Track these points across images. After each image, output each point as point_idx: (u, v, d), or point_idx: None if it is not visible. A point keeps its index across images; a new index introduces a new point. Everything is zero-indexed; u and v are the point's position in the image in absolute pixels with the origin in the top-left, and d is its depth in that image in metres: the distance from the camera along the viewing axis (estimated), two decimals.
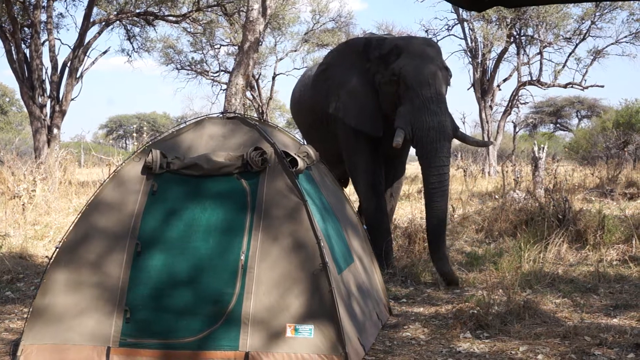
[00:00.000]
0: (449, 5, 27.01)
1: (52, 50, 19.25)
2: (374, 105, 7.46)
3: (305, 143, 9.08)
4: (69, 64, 19.30)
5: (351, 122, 7.52)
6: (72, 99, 19.22)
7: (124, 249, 4.62)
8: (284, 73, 40.47)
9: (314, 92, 8.20)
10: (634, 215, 9.40)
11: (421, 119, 6.92)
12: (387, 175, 8.09)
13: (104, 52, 24.65)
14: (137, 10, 21.91)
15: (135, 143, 21.17)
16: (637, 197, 13.69)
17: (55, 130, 18.51)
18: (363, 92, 7.51)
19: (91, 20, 19.89)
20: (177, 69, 29.62)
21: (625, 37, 25.30)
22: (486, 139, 24.15)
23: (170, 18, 22.70)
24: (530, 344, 5.09)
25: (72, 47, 19.42)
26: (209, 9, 23.21)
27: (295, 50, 30.40)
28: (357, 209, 7.05)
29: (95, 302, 4.55)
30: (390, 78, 7.18)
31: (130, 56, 24.12)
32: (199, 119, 5.12)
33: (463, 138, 7.39)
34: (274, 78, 30.89)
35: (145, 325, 4.47)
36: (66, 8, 30.54)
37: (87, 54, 20.01)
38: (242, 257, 4.48)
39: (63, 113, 18.92)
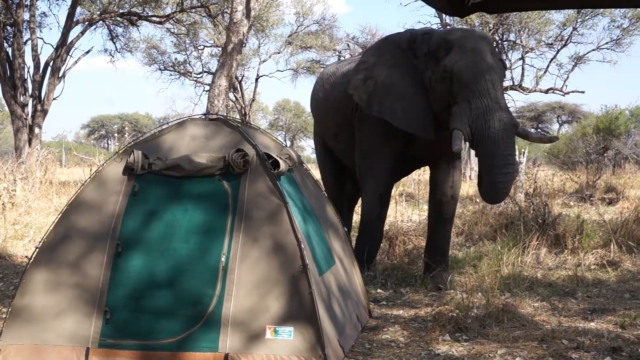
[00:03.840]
0: (433, 10, 27.11)
1: (34, 49, 19.14)
2: (424, 105, 6.84)
3: (317, 151, 9.00)
4: (51, 64, 19.21)
5: (401, 125, 6.85)
6: (54, 99, 19.14)
7: (104, 249, 4.61)
8: (267, 75, 40.41)
9: (346, 92, 7.45)
10: (612, 220, 9.48)
11: (480, 118, 6.34)
12: (442, 176, 7.44)
13: (87, 52, 24.61)
14: (121, 11, 21.82)
15: (117, 143, 21.10)
16: (616, 202, 13.81)
17: (36, 130, 18.41)
18: (411, 92, 6.90)
19: (74, 19, 19.81)
20: (160, 69, 29.58)
21: (606, 43, 25.47)
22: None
23: (154, 19, 22.64)
24: (509, 347, 5.13)
25: (54, 47, 19.34)
26: (193, 10, 23.16)
27: (279, 53, 30.45)
28: (338, 217, 7.01)
29: (74, 302, 4.53)
30: (443, 75, 6.60)
31: (113, 56, 24.03)
32: (181, 120, 5.12)
33: (525, 135, 6.80)
34: (257, 80, 30.93)
35: (125, 326, 4.46)
36: (49, 7, 30.51)
37: (70, 54, 19.94)
38: (223, 259, 4.48)
39: (45, 112, 18.82)
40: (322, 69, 29.83)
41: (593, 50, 25.74)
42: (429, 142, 7.05)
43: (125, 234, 4.66)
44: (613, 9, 23.00)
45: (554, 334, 5.40)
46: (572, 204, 13.38)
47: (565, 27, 25.18)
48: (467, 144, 6.67)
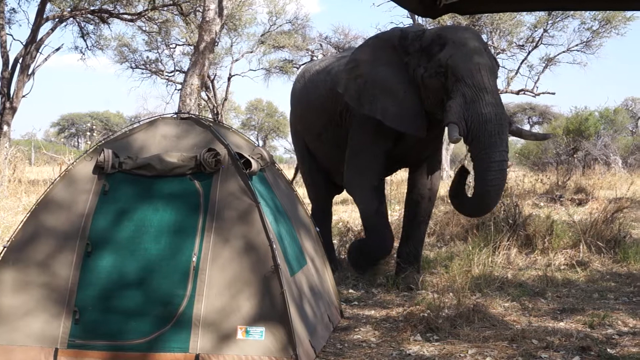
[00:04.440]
0: (405, 11, 27.21)
1: (3, 46, 18.94)
2: (416, 103, 6.73)
3: (297, 150, 8.65)
4: (20, 61, 19.02)
5: (392, 123, 6.74)
6: (24, 96, 18.97)
7: (74, 249, 4.56)
8: (239, 74, 40.31)
9: (334, 90, 7.36)
10: (581, 221, 9.56)
11: (476, 112, 6.23)
12: (422, 177, 7.48)
13: (57, 49, 24.26)
14: (92, 8, 21.67)
15: (88, 142, 20.92)
16: (585, 203, 13.94)
17: (5, 128, 18.21)
18: (403, 90, 6.77)
19: (44, 16, 19.63)
20: (131, 67, 29.39)
21: (576, 45, 25.76)
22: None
23: (125, 16, 22.49)
24: (479, 347, 5.15)
25: (24, 44, 19.16)
26: (165, 8, 23.03)
27: (252, 52, 30.40)
28: (310, 217, 6.97)
29: (43, 302, 4.48)
30: (437, 70, 6.49)
31: (83, 54, 23.84)
32: (152, 118, 5.09)
33: (519, 132, 6.81)
34: (229, 79, 30.85)
35: (94, 327, 4.41)
36: (19, 3, 30.18)
37: (40, 51, 19.74)
38: (194, 259, 4.46)
39: (14, 110, 18.62)
40: (296, 69, 29.92)
41: (563, 52, 26.03)
42: (415, 143, 7.03)
43: (95, 233, 4.61)
44: (583, 12, 23.25)
45: (524, 334, 5.43)
46: (542, 204, 13.50)
47: (536, 29, 25.42)
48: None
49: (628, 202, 10.61)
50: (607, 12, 23.00)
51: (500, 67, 6.58)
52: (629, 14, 23.54)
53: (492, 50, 25.59)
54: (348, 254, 7.82)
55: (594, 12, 23.37)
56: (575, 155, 22.93)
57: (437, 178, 7.63)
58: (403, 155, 7.33)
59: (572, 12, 23.45)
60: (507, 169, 6.45)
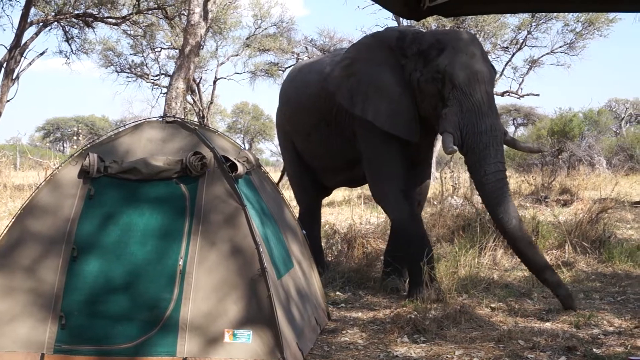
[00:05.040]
0: (390, 13, 27.27)
1: None
2: (410, 107, 6.62)
3: (284, 152, 8.39)
4: (5, 65, 18.90)
5: (384, 125, 6.63)
6: (8, 101, 18.84)
7: (59, 254, 4.54)
8: (225, 77, 40.33)
9: (326, 89, 7.23)
10: (566, 222, 9.61)
11: (472, 122, 6.16)
12: (413, 182, 7.24)
13: (41, 54, 24.14)
14: (76, 12, 21.55)
15: (73, 146, 20.85)
16: (570, 203, 14.00)
17: None
18: (397, 92, 6.65)
19: (28, 20, 19.52)
20: (116, 71, 29.22)
21: (560, 47, 25.85)
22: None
23: (110, 20, 22.39)
24: (466, 348, 5.17)
25: (8, 48, 19.03)
26: (150, 12, 22.96)
27: (237, 55, 30.31)
28: (296, 219, 6.94)
29: (29, 308, 4.46)
30: (434, 76, 6.39)
31: (68, 58, 23.70)
32: (137, 122, 5.08)
33: (513, 143, 6.68)
34: (215, 82, 30.74)
35: (81, 331, 4.40)
36: (2, 8, 29.85)
37: (24, 55, 19.63)
38: (180, 263, 4.45)
39: None
40: (282, 72, 29.90)
41: (547, 53, 26.11)
42: (415, 145, 6.90)
43: (81, 238, 4.60)
44: (566, 13, 23.37)
45: (511, 335, 5.46)
46: (527, 205, 13.55)
47: (520, 31, 25.49)
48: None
49: (612, 202, 10.67)
50: (590, 13, 23.14)
51: (497, 75, 6.50)
52: (611, 15, 23.68)
53: None
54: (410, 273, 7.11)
55: (577, 14, 23.51)
56: (559, 157, 23.02)
57: (427, 183, 7.57)
58: (409, 158, 7.10)
59: (555, 14, 23.56)
60: (507, 178, 6.27)
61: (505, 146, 6.44)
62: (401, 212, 6.87)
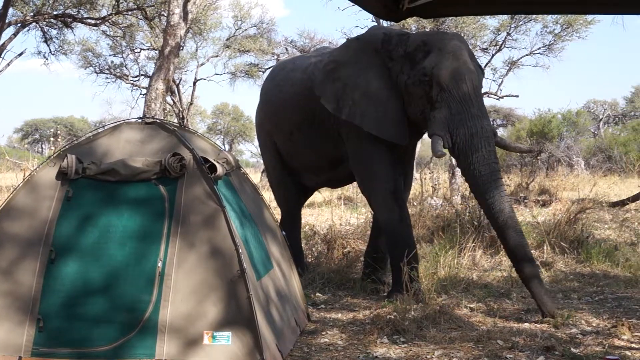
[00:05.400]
0: (370, 15, 27.34)
1: None
2: (398, 109, 6.57)
3: (265, 152, 8.28)
4: None
5: (372, 129, 6.55)
6: None
7: (37, 256, 4.51)
8: (205, 78, 40.25)
9: (310, 88, 7.14)
10: (545, 222, 9.68)
11: (462, 124, 6.07)
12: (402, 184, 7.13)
13: (20, 54, 24.12)
14: (55, 12, 21.42)
15: (52, 148, 20.71)
16: (549, 204, 14.09)
17: None
18: (385, 95, 6.60)
19: (6, 21, 19.36)
20: (95, 72, 29.05)
21: (539, 48, 26.02)
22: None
23: (89, 21, 22.27)
24: (445, 348, 5.19)
25: None
26: (129, 13, 22.86)
27: (217, 56, 30.27)
28: (276, 221, 6.90)
29: (6, 310, 4.42)
30: (421, 78, 6.31)
31: (47, 59, 23.56)
32: (116, 123, 5.05)
33: (504, 144, 6.64)
34: (195, 83, 30.66)
35: (59, 334, 4.37)
36: None
37: (2, 56, 19.50)
38: (159, 264, 4.43)
39: None
40: (262, 73, 29.85)
41: (526, 55, 26.28)
42: (402, 147, 6.86)
43: (59, 240, 4.57)
44: (545, 15, 23.53)
45: (490, 335, 5.48)
46: None
47: (499, 33, 25.64)
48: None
49: (591, 203, 10.74)
50: (569, 15, 23.31)
51: (484, 77, 6.46)
52: (590, 17, 23.89)
53: None
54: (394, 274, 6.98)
55: (556, 15, 23.67)
56: (538, 157, 23.18)
57: (409, 184, 7.52)
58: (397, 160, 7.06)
59: (534, 16, 23.73)
60: (501, 178, 6.18)
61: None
62: (391, 213, 6.82)
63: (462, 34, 24.88)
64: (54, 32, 23.25)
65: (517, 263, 6.06)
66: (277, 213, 8.04)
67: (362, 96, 6.65)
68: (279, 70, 8.20)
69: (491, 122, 6.27)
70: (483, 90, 6.75)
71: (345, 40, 7.33)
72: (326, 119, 7.08)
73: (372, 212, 7.64)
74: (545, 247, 8.70)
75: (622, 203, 13.90)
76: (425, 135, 6.71)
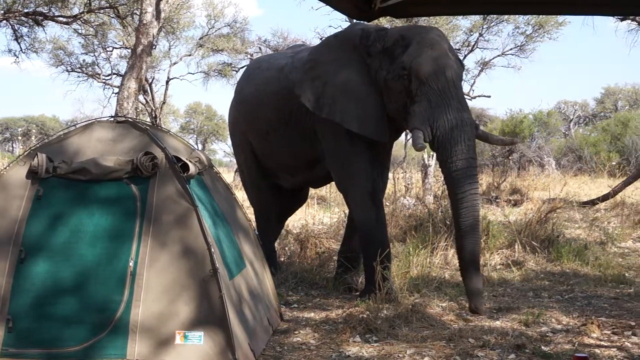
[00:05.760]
0: (343, 15, 27.37)
1: None
2: (378, 106, 6.48)
3: (239, 153, 8.14)
4: None
5: (353, 127, 6.47)
6: None
7: (7, 256, 4.46)
8: (178, 77, 40.09)
9: (287, 87, 7.04)
10: (516, 221, 9.75)
11: (441, 117, 5.97)
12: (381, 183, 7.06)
13: None
14: (26, 10, 21.19)
15: (22, 147, 20.51)
16: (521, 203, 14.22)
17: None
18: (364, 92, 6.52)
19: None
20: (67, 71, 28.83)
21: (511, 49, 26.26)
22: None
23: (61, 19, 22.06)
24: (417, 347, 5.21)
25: None
26: (101, 11, 22.69)
27: (190, 55, 30.17)
28: (249, 220, 6.88)
29: None
30: (400, 73, 6.22)
31: (17, 57, 23.29)
32: (87, 122, 5.02)
33: (485, 137, 6.54)
34: (167, 82, 30.55)
35: (29, 335, 4.33)
36: None
37: None
38: (131, 264, 4.41)
39: None
40: (235, 72, 29.78)
41: (498, 55, 26.54)
42: (382, 145, 6.82)
43: (29, 239, 4.53)
44: (517, 16, 23.72)
45: (461, 333, 5.52)
46: None
47: (471, 33, 25.84)
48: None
49: (561, 202, 10.86)
50: (540, 16, 23.51)
51: (464, 69, 6.41)
52: (561, 18, 24.14)
53: None
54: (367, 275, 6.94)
55: (527, 16, 23.88)
56: (510, 157, 23.38)
57: (385, 183, 7.43)
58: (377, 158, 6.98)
59: (506, 17, 23.91)
60: (478, 176, 6.13)
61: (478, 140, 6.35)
62: (367, 214, 6.76)
63: None
64: (24, 30, 23.01)
65: (464, 264, 5.95)
66: (250, 212, 8.01)
67: (341, 94, 6.57)
68: (254, 68, 8.07)
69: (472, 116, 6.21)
70: None
71: (323, 39, 7.27)
72: (302, 118, 7.02)
73: (347, 212, 7.63)
74: (516, 246, 8.77)
75: (592, 203, 14.06)
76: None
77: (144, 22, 13.04)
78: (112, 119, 5.03)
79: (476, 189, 5.99)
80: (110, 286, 4.38)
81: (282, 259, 8.49)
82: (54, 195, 4.67)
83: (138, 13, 16.32)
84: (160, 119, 29.00)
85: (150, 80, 28.85)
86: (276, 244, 8.67)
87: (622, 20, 17.94)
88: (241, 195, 9.49)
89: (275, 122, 7.32)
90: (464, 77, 6.48)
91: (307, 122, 7.01)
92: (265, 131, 7.51)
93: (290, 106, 7.06)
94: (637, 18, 17.30)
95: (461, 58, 26.05)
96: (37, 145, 4.95)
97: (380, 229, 6.75)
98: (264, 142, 7.64)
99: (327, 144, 6.91)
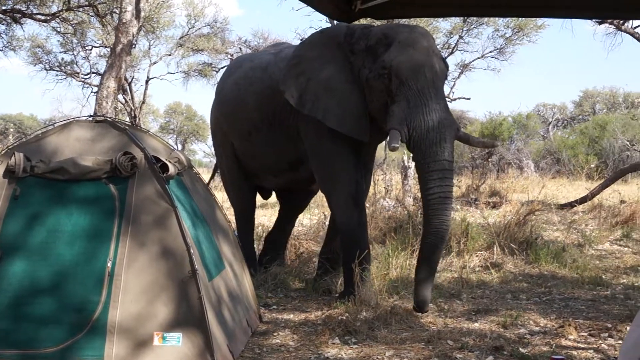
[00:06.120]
0: (324, 16, 27.36)
1: None
2: (360, 105, 6.39)
3: (220, 154, 8.07)
4: None
5: (333, 124, 6.39)
6: None
7: None
8: (157, 77, 39.89)
9: (271, 87, 7.00)
10: (495, 224, 9.80)
11: (418, 118, 5.86)
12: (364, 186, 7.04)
13: None
14: (3, 7, 21.03)
15: (0, 146, 20.31)
16: (500, 205, 14.29)
17: None
18: (347, 90, 6.43)
19: None
20: (45, 69, 28.59)
21: (490, 52, 26.40)
22: None
23: (39, 16, 21.91)
24: (396, 349, 5.22)
25: None
26: (80, 9, 22.55)
27: (170, 55, 30.04)
28: (228, 221, 6.85)
29: None
30: (380, 72, 6.13)
31: None
32: (66, 121, 4.98)
33: (467, 139, 6.46)
34: (147, 82, 30.39)
35: (5, 335, 4.27)
36: None
37: None
38: (109, 264, 4.38)
39: None
40: (215, 72, 29.69)
41: (478, 58, 26.66)
42: (366, 147, 6.76)
43: (6, 239, 4.48)
44: (497, 19, 23.83)
45: (440, 335, 5.53)
46: (458, 207, 13.75)
47: (451, 35, 25.94)
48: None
49: (540, 205, 10.94)
50: (520, 19, 23.65)
51: (449, 69, 6.33)
52: (540, 21, 24.27)
53: None
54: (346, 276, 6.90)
55: (507, 19, 23.99)
56: (489, 160, 23.49)
57: (368, 185, 7.43)
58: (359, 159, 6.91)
59: (486, 19, 24.02)
60: (452, 180, 6.04)
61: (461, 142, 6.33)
62: (349, 217, 6.70)
63: None
64: (2, 27, 22.86)
65: (422, 261, 6.01)
66: (230, 213, 7.98)
67: (324, 91, 6.50)
68: (236, 67, 7.96)
69: (454, 118, 6.16)
70: None
71: (308, 36, 7.22)
72: (286, 117, 6.96)
73: (329, 213, 7.61)
74: (495, 249, 8.81)
75: (570, 205, 14.16)
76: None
77: (124, 20, 12.96)
78: (90, 119, 5.00)
79: (447, 191, 5.92)
80: (88, 286, 4.35)
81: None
82: (31, 195, 4.62)
83: (117, 12, 16.22)
84: (139, 118, 28.84)
85: (129, 80, 28.68)
86: (255, 245, 8.64)
87: (600, 23, 18.13)
88: (221, 196, 9.45)
89: (258, 121, 7.25)
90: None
91: (290, 121, 6.95)
92: (248, 131, 7.43)
93: (273, 105, 7.01)
94: (614, 21, 17.47)
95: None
96: (15, 144, 4.91)
97: (361, 232, 6.71)
98: (245, 143, 7.57)
99: (309, 142, 6.86)
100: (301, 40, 7.61)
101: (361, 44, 6.46)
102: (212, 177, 9.19)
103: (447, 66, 6.32)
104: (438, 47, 6.92)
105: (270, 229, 8.73)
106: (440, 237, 5.93)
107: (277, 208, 8.91)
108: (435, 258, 6.05)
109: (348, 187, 6.70)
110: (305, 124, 6.76)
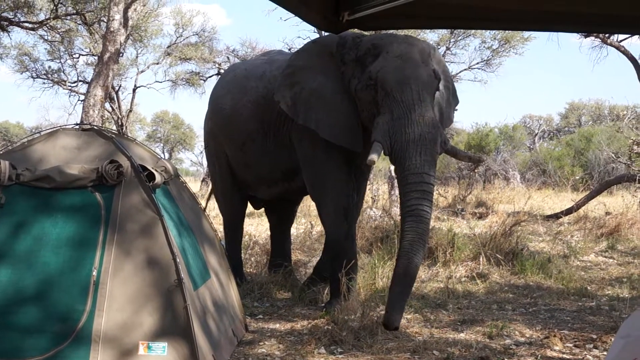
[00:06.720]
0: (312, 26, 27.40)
1: None
2: (352, 115, 6.35)
3: (213, 163, 8.01)
4: None
5: (325, 135, 6.35)
6: None
7: None
8: (145, 86, 39.83)
9: (266, 97, 7.01)
10: (481, 234, 9.83)
11: (400, 131, 5.72)
12: (354, 198, 7.01)
13: None
14: None
15: None
16: (486, 216, 14.32)
17: None
18: (339, 100, 6.39)
19: None
20: (32, 77, 28.45)
21: (477, 63, 26.44)
22: None
23: (26, 24, 21.84)
24: (382, 359, 5.22)
25: None
26: (68, 17, 22.49)
27: (158, 63, 29.94)
28: (215, 230, 6.86)
29: None
30: (367, 83, 6.07)
31: None
32: (52, 129, 4.97)
33: (454, 152, 6.27)
34: (134, 90, 30.30)
35: None
36: None
37: None
38: (94, 273, 4.36)
39: None
40: (203, 81, 29.66)
41: (465, 69, 26.69)
42: (359, 157, 6.63)
43: None
44: (484, 31, 23.94)
45: (426, 345, 5.54)
46: (444, 218, 13.79)
47: (439, 47, 25.98)
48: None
49: (525, 215, 10.97)
50: (507, 32, 23.77)
51: (440, 81, 6.20)
52: (526, 34, 24.40)
53: None
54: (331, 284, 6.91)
55: (494, 32, 24.11)
56: (476, 170, 23.54)
57: (363, 196, 7.41)
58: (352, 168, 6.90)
59: (473, 31, 24.11)
60: (432, 195, 5.83)
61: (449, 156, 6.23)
62: (338, 229, 6.70)
63: None
64: None
65: (397, 277, 5.62)
66: (217, 222, 7.97)
67: (317, 101, 6.47)
68: (230, 77, 7.91)
69: (442, 131, 6.06)
70: None
71: (302, 45, 7.23)
72: (281, 127, 6.96)
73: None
74: (481, 259, 8.82)
75: (556, 216, 14.21)
76: None
77: (111, 29, 12.95)
78: (77, 127, 4.99)
79: (425, 205, 5.68)
80: (74, 295, 4.33)
81: (248, 270, 8.46)
82: (17, 203, 4.60)
83: (105, 20, 16.22)
84: (126, 127, 28.75)
85: (117, 88, 28.60)
86: (242, 254, 8.63)
87: (586, 36, 18.25)
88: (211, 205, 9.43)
89: (252, 131, 7.23)
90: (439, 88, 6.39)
91: (284, 130, 6.95)
92: (242, 141, 7.40)
93: (269, 115, 7.01)
94: (600, 35, 17.60)
95: None
96: (1, 152, 4.89)
97: (349, 244, 6.72)
98: (239, 153, 7.53)
99: (303, 151, 6.84)
100: (289, 50, 7.60)
101: (351, 54, 6.45)
102: (207, 201, 9.11)
103: (438, 78, 6.12)
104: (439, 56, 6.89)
105: (270, 250, 8.62)
106: (417, 252, 5.61)
107: (264, 217, 8.90)
108: (412, 272, 5.66)
109: (340, 200, 6.69)
110: (300, 133, 6.75)
